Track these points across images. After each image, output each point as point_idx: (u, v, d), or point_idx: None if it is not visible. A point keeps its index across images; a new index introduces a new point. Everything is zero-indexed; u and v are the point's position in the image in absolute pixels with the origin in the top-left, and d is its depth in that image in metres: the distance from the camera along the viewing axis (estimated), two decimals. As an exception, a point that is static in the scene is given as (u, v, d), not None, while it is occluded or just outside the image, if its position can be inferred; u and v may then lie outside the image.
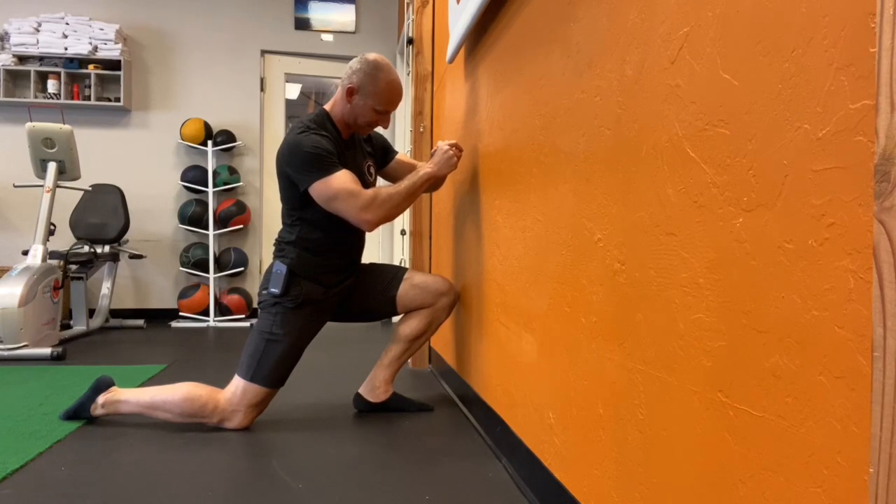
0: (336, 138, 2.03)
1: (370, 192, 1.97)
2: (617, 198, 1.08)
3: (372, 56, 2.04)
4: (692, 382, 0.85)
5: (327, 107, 2.09)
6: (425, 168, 2.09)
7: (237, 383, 1.98)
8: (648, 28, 0.97)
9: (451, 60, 2.36)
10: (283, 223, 2.10)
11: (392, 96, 2.04)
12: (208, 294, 4.65)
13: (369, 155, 2.23)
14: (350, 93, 2.01)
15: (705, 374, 0.82)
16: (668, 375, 0.91)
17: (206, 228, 4.73)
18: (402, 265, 2.27)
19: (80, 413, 2.03)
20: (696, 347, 0.84)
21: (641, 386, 0.99)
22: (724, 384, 0.78)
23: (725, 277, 0.78)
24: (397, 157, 2.33)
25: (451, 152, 2.11)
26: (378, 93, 2.01)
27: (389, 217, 2.02)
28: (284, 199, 2.05)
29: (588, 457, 1.19)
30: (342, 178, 1.93)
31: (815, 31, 0.64)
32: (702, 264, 0.83)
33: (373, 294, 2.19)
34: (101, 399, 2.02)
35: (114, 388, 2.05)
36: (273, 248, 2.11)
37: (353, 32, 5.12)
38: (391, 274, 2.22)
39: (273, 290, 2.00)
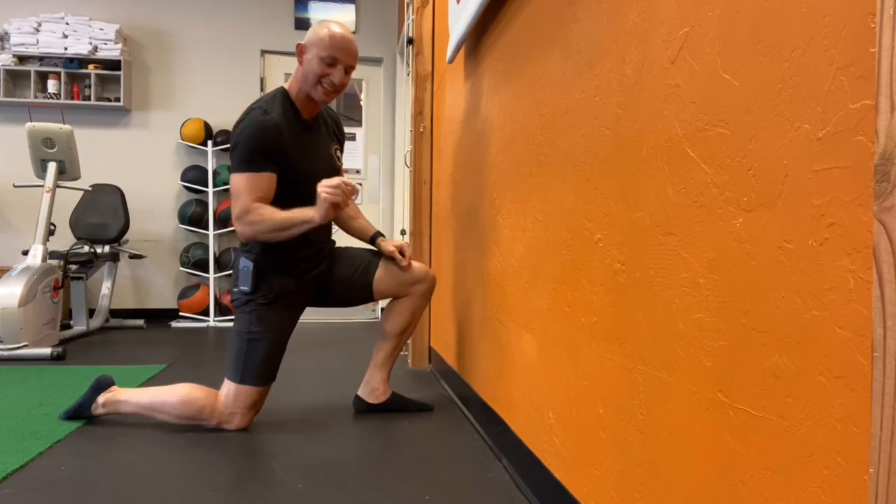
0: (292, 119, 1.98)
1: (251, 205, 1.87)
2: (617, 198, 1.08)
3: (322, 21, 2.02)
4: (692, 382, 0.85)
5: (286, 84, 2.04)
6: (310, 212, 1.86)
7: (229, 387, 1.98)
8: (648, 28, 0.97)
9: (451, 60, 2.36)
10: None
11: (335, 41, 1.95)
12: (208, 294, 4.65)
13: (336, 139, 2.18)
14: (300, 52, 1.98)
15: (705, 374, 0.82)
16: (668, 375, 0.91)
17: (206, 228, 4.73)
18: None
19: (80, 413, 2.03)
20: (696, 347, 0.84)
21: (641, 386, 0.99)
22: (724, 384, 0.78)
23: (725, 277, 0.78)
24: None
25: (328, 193, 1.80)
26: (320, 39, 1.94)
27: (257, 238, 1.91)
28: None
29: (588, 457, 1.19)
30: (247, 182, 1.88)
31: (815, 31, 0.64)
32: (702, 264, 0.83)
33: (349, 281, 2.16)
34: (101, 399, 2.02)
35: (114, 387, 2.05)
36: (238, 242, 2.06)
37: (353, 32, 5.12)
38: (367, 260, 2.18)
39: (243, 287, 1.98)
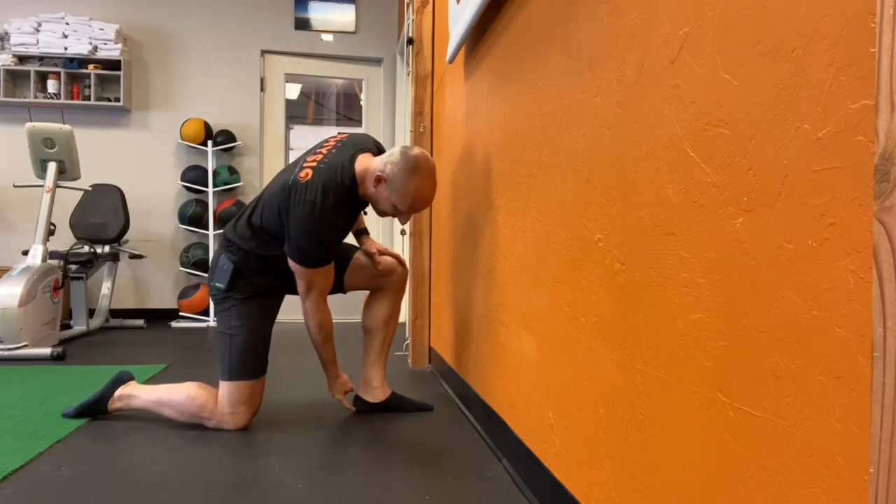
0: (352, 205, 1.98)
1: (323, 313, 2.06)
2: (617, 198, 1.08)
3: (416, 152, 1.94)
4: (692, 382, 0.85)
5: (359, 168, 1.95)
6: (332, 374, 2.20)
7: (223, 387, 2.00)
8: (648, 28, 0.97)
9: (451, 60, 2.36)
10: (249, 227, 2.00)
11: (417, 203, 1.96)
12: (208, 294, 4.65)
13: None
14: (378, 180, 1.92)
15: (705, 374, 0.82)
16: (668, 375, 0.91)
17: (206, 228, 4.73)
18: (354, 246, 2.27)
19: (96, 407, 2.08)
20: (696, 347, 0.84)
21: (641, 386, 0.99)
22: (724, 384, 0.78)
23: (725, 277, 0.78)
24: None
25: (337, 399, 2.22)
26: (404, 194, 1.93)
27: (306, 324, 2.09)
28: (268, 220, 1.95)
29: (588, 457, 1.19)
30: (318, 275, 1.97)
31: (815, 31, 0.64)
32: (702, 264, 0.83)
33: None
34: (118, 393, 2.08)
35: (132, 382, 2.12)
36: (221, 237, 2.06)
37: (353, 32, 5.12)
38: (339, 253, 2.18)
39: (218, 284, 2.00)
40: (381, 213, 2.03)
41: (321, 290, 2.01)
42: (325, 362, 2.17)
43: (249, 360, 2.00)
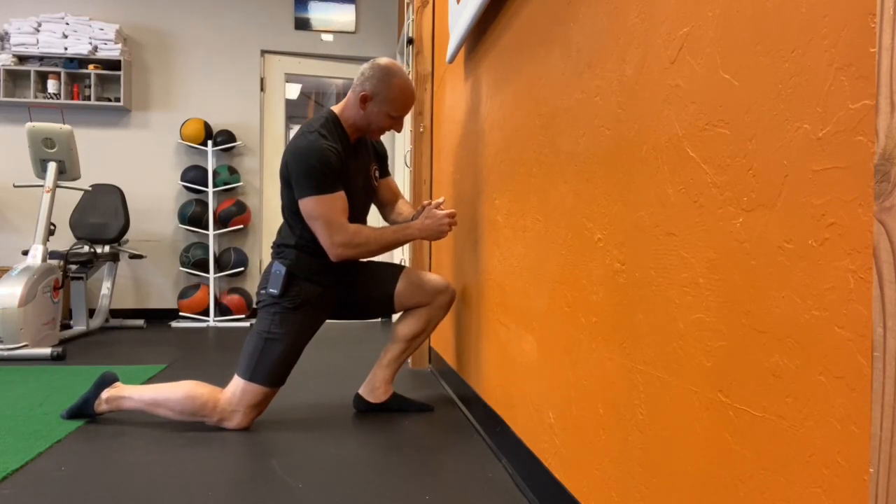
0: (344, 144, 2.03)
1: (352, 228, 1.97)
2: (617, 198, 1.08)
3: (384, 61, 2.04)
4: (692, 382, 0.85)
5: (336, 109, 2.07)
6: (414, 230, 2.07)
7: (237, 383, 1.98)
8: (648, 28, 0.97)
9: (451, 60, 2.36)
10: (285, 222, 2.09)
11: (406, 101, 2.06)
12: (208, 294, 4.65)
13: (375, 159, 2.23)
14: (364, 100, 2.01)
15: (705, 374, 0.82)
16: (668, 375, 0.91)
17: (206, 228, 4.73)
18: (402, 264, 2.27)
19: (83, 410, 2.04)
20: (696, 347, 0.84)
21: (641, 386, 0.99)
22: (724, 384, 0.78)
23: (725, 277, 0.78)
24: (389, 178, 2.32)
25: (445, 223, 2.06)
26: (393, 99, 2.02)
27: (359, 257, 2.05)
28: (287, 199, 2.04)
29: (588, 457, 1.19)
30: (331, 204, 1.94)
31: (815, 31, 0.64)
32: (702, 264, 0.83)
33: (371, 292, 2.20)
34: (104, 395, 2.03)
35: (117, 383, 2.06)
36: (271, 250, 2.11)
37: (353, 32, 5.12)
38: (389, 272, 2.22)
39: (272, 290, 2.01)
40: (378, 131, 2.10)
41: (339, 216, 1.96)
42: (399, 239, 2.07)
43: (277, 370, 2.00)
